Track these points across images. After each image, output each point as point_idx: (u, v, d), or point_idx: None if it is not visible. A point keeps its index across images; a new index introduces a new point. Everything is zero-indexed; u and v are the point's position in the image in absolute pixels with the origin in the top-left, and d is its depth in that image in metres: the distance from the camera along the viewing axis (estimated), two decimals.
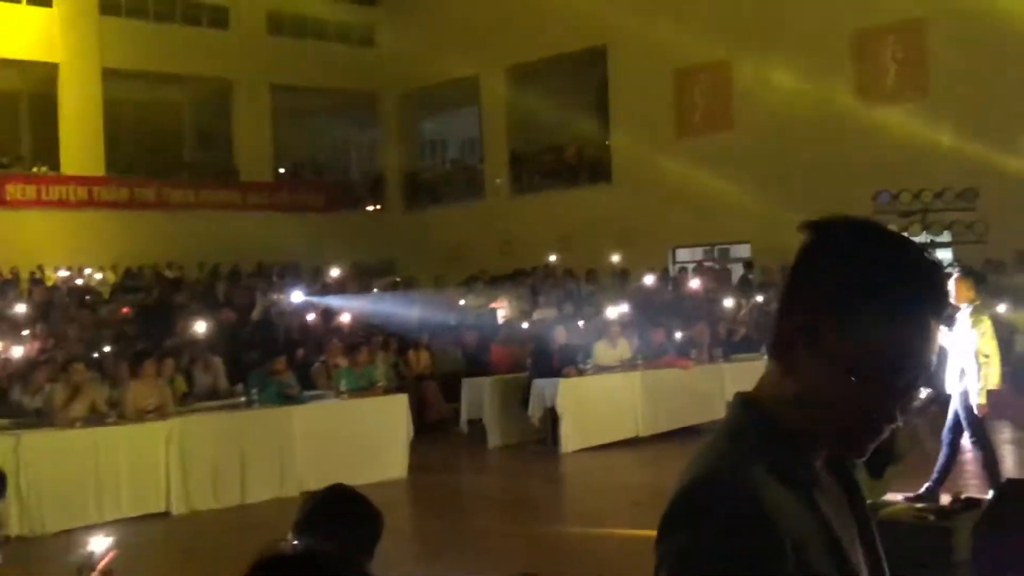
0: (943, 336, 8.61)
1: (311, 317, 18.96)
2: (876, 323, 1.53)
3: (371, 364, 14.29)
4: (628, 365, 14.94)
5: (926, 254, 1.57)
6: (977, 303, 8.98)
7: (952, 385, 8.97)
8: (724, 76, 26.21)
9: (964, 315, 8.89)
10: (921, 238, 17.51)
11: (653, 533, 1.53)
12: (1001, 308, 17.37)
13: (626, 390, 14.55)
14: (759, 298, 20.75)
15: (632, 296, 20.20)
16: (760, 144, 24.53)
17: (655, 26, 26.27)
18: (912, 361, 1.55)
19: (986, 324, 8.94)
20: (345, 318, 18.29)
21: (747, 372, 15.70)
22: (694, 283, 21.60)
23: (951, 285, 8.68)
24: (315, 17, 32.14)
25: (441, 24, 31.51)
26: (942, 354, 8.97)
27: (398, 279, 23.55)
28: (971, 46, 21.54)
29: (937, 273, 1.57)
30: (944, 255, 18.31)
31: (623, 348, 15.28)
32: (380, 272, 25.20)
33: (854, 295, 1.54)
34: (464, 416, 15.36)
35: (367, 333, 17.22)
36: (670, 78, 27.06)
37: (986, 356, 8.89)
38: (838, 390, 1.55)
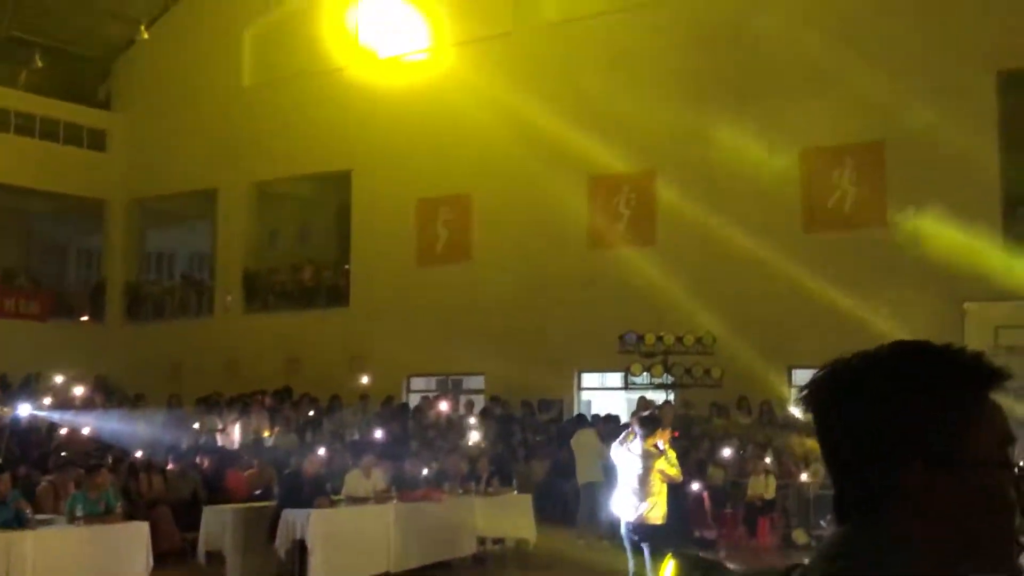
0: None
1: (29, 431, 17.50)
2: None
3: (107, 488, 13.23)
4: (382, 497, 14.49)
5: None
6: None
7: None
8: (465, 207, 26.57)
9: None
10: (662, 379, 18.10)
11: None
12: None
13: (379, 523, 14.08)
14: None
15: (372, 424, 19.83)
16: (499, 276, 24.87)
17: (399, 155, 26.46)
18: None
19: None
20: (79, 433, 16.96)
21: (499, 506, 15.63)
22: (443, 408, 21.48)
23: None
24: (44, 116, 30.59)
25: (181, 134, 30.64)
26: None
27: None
28: (691, 197, 22.70)
29: None
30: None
31: (376, 479, 14.84)
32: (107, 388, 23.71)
33: None
34: (202, 547, 14.37)
35: (98, 453, 16.01)
36: (413, 206, 27.19)
37: None
38: None
